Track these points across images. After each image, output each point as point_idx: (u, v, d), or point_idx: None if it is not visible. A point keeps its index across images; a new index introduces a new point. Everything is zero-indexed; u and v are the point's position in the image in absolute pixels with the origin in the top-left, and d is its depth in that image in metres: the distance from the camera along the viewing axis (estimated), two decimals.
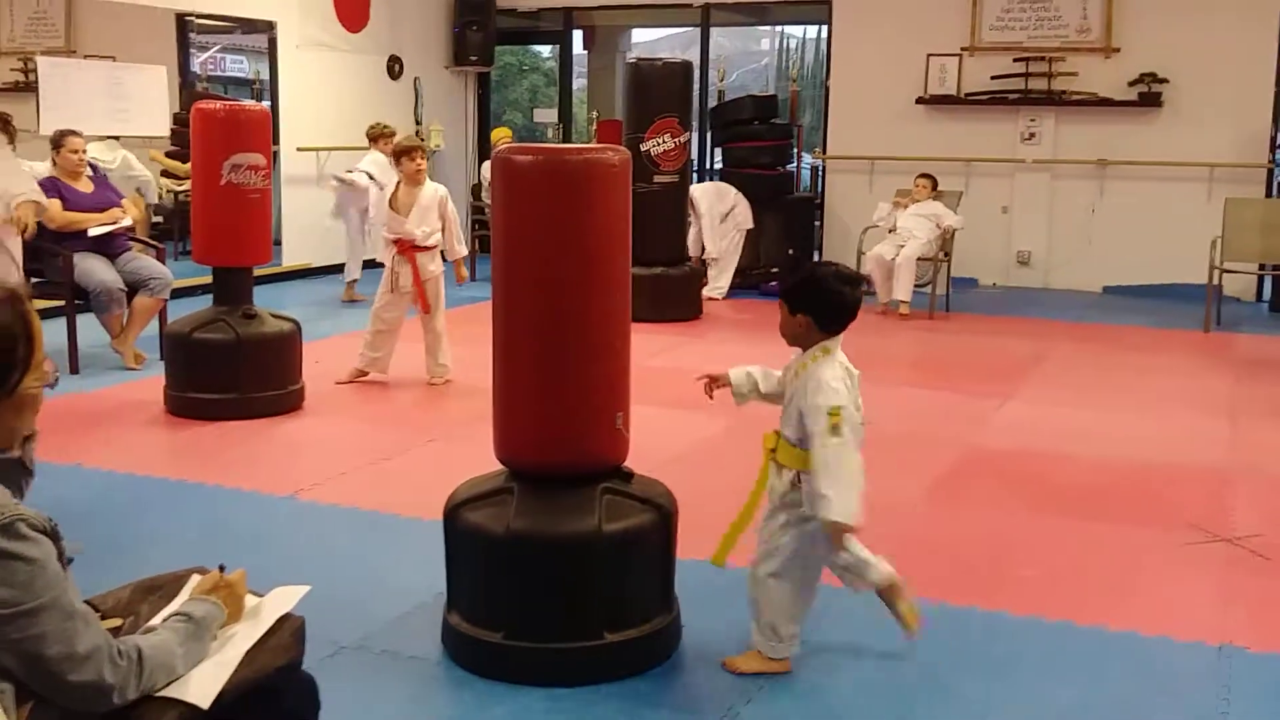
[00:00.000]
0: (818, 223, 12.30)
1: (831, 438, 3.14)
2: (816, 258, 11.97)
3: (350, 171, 10.03)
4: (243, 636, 2.15)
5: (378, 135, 10.04)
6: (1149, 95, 10.91)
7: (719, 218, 10.66)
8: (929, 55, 11.62)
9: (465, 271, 7.31)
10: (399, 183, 6.93)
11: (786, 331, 3.35)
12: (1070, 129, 11.28)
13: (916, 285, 9.82)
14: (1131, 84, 10.97)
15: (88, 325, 7.27)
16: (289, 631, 2.19)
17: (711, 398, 3.58)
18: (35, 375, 1.89)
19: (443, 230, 6.91)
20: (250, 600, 2.25)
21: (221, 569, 2.26)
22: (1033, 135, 11.39)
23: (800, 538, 3.33)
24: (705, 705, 3.27)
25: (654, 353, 7.57)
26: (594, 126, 13.50)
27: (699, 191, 10.53)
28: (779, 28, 20.22)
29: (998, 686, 3.41)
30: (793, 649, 3.44)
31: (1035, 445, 5.98)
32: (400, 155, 6.90)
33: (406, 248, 6.82)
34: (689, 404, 6.48)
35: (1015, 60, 11.34)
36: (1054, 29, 11.27)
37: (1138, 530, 4.73)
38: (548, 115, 14.72)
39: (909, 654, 3.58)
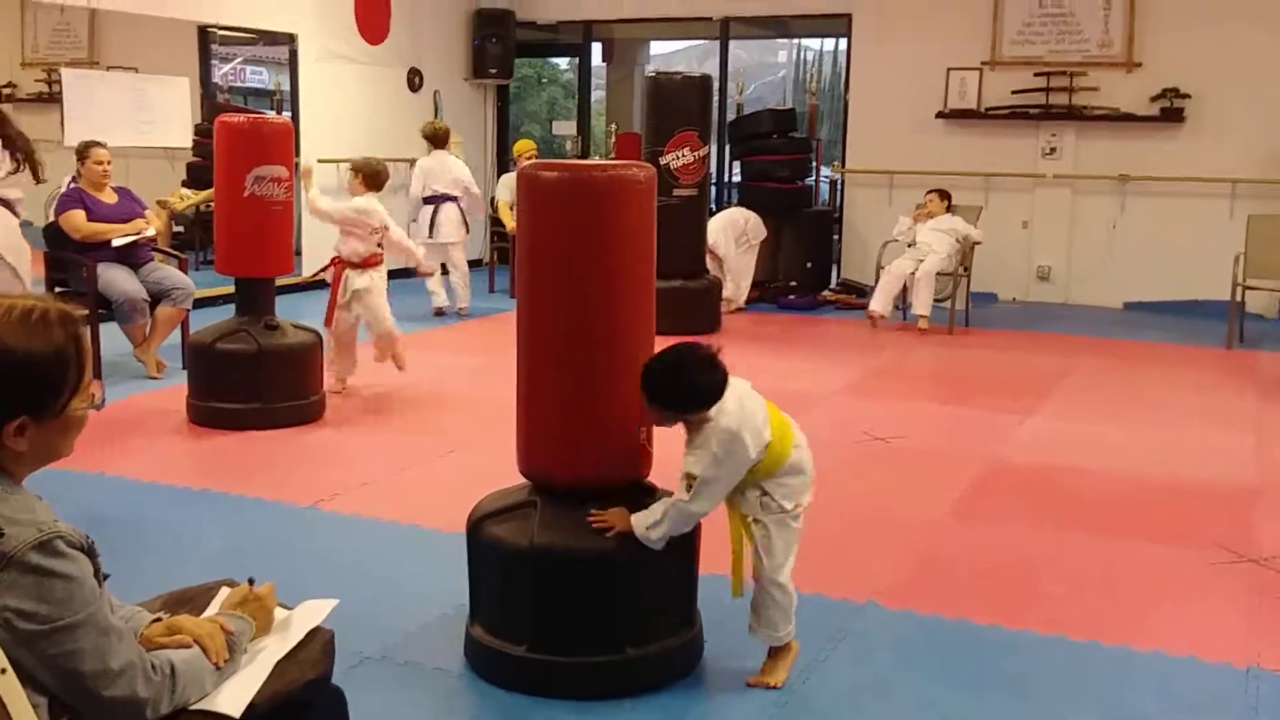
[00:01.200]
0: (836, 236, 12.30)
1: (690, 502, 3.24)
2: (835, 271, 11.98)
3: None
4: (272, 650, 2.15)
5: (443, 135, 10.08)
6: (1171, 110, 10.87)
7: (736, 252, 10.65)
8: (949, 69, 11.61)
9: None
10: None
11: (668, 425, 3.36)
12: (1091, 144, 11.25)
13: (936, 300, 9.80)
14: (1154, 99, 10.94)
15: (111, 334, 7.31)
16: (319, 645, 2.19)
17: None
18: (82, 398, 1.91)
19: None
20: (280, 613, 2.26)
21: (251, 582, 2.27)
22: (1053, 150, 11.37)
23: (786, 533, 3.37)
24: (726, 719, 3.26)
25: None
26: (612, 140, 13.53)
27: (715, 235, 10.35)
28: (796, 40, 20.22)
29: (1021, 705, 3.39)
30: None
31: (1059, 461, 5.96)
32: None
33: (338, 260, 6.89)
34: None
35: (1036, 74, 11.32)
36: (1075, 43, 11.24)
37: (1163, 548, 4.71)
38: (566, 128, 14.76)
39: (933, 675, 3.57)
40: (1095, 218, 11.32)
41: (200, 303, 7.90)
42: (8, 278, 5.01)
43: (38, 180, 5.46)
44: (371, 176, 6.91)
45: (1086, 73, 11.17)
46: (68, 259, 7.23)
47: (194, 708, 1.97)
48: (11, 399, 1.82)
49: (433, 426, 6.43)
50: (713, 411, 3.23)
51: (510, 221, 10.64)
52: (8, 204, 5.29)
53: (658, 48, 18.33)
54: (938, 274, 9.73)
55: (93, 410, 1.92)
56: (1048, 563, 4.53)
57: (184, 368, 6.85)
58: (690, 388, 3.24)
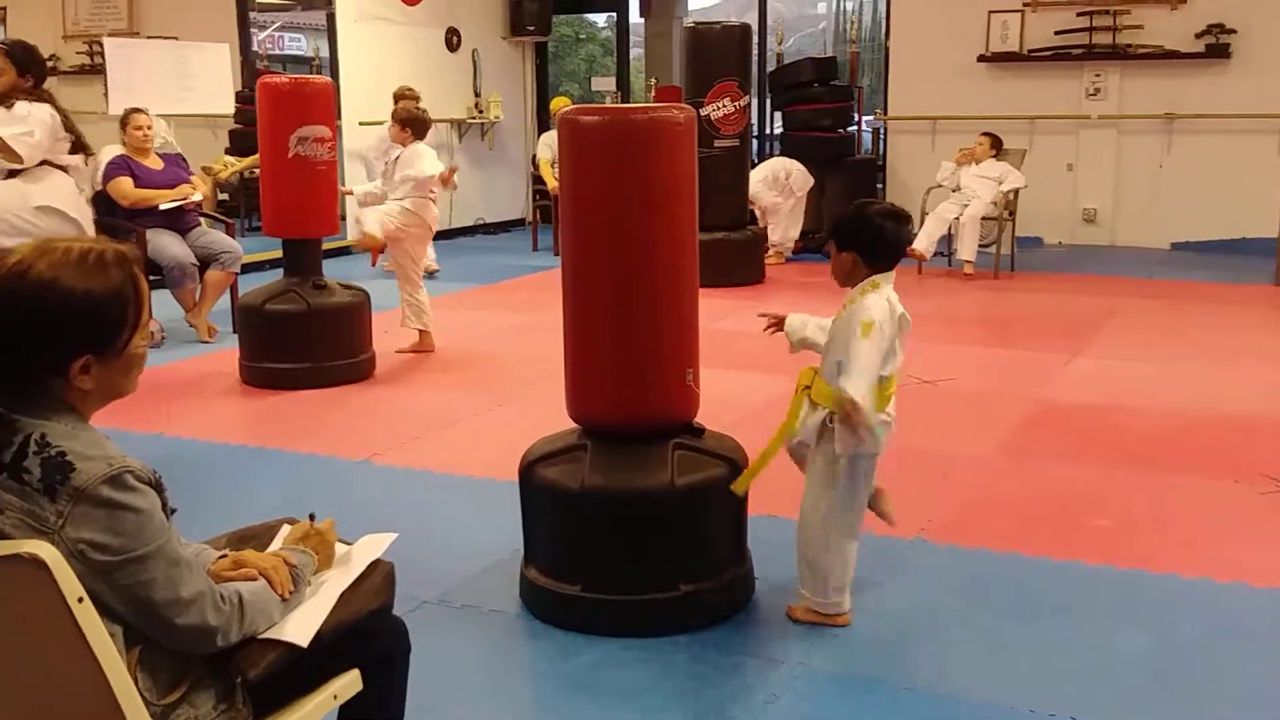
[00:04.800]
0: (880, 184, 12.25)
1: (862, 340, 3.23)
2: None
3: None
4: (335, 582, 2.21)
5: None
6: (1216, 46, 10.72)
7: (779, 202, 10.61)
8: (990, 12, 11.50)
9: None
10: None
11: (837, 271, 3.40)
12: (1136, 83, 11.12)
13: (981, 245, 9.74)
14: (1199, 35, 10.79)
15: (161, 300, 7.40)
16: (380, 576, 2.25)
17: (769, 333, 3.63)
18: (142, 335, 1.97)
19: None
20: (340, 548, 2.32)
21: (312, 518, 2.34)
22: (1098, 90, 11.25)
23: (848, 484, 3.37)
24: (778, 653, 3.31)
25: (718, 316, 7.59)
26: (652, 94, 13.49)
27: (755, 186, 10.33)
28: None
29: (1069, 632, 3.42)
30: (848, 602, 3.47)
31: (1105, 399, 5.95)
32: None
33: None
34: (757, 366, 6.52)
35: (1079, 14, 11.19)
36: None
37: (1210, 481, 4.71)
38: (605, 84, 14.74)
39: (982, 605, 3.60)
40: (1141, 158, 11.21)
41: (248, 267, 8.00)
42: (71, 233, 5.17)
43: (89, 155, 5.74)
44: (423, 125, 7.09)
45: (1130, 10, 11.03)
46: (117, 225, 7.33)
47: (263, 636, 2.04)
48: (75, 339, 1.89)
49: (481, 383, 6.50)
50: (884, 283, 3.34)
51: (552, 180, 10.66)
52: (66, 170, 5.48)
53: (695, 2, 18.23)
54: (982, 219, 9.68)
55: (152, 347, 1.98)
56: (1095, 498, 4.54)
57: (234, 331, 6.95)
58: (867, 224, 3.34)
